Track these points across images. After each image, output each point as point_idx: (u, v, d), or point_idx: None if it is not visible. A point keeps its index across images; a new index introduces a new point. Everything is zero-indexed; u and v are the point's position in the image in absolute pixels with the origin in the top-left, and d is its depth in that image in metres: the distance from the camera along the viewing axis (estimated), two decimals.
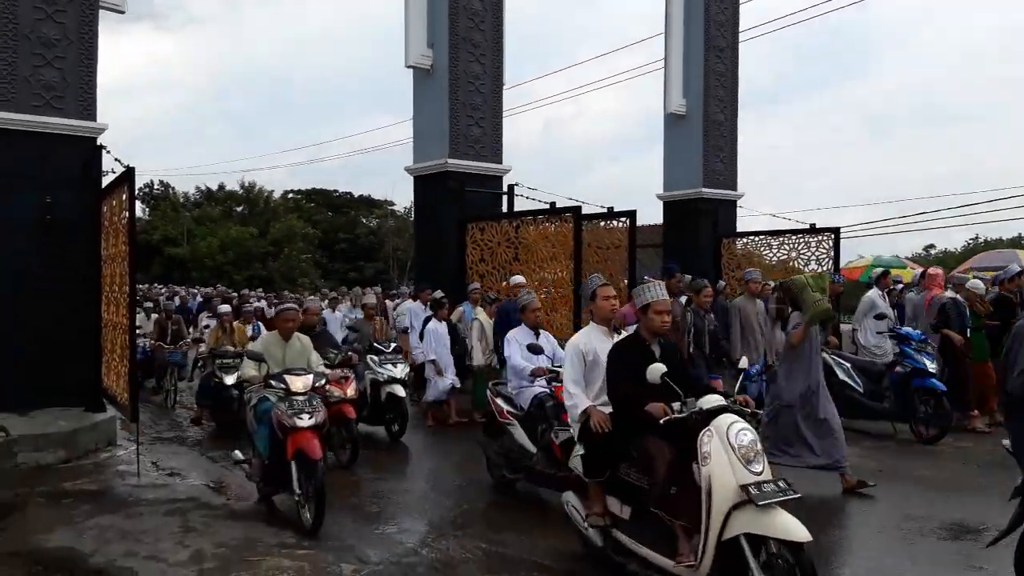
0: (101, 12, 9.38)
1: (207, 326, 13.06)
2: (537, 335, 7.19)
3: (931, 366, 8.73)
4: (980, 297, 10.21)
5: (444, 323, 10.52)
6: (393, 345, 10.04)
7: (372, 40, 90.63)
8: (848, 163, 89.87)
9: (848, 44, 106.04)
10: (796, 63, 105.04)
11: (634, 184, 71.15)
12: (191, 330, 13.97)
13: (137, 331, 13.89)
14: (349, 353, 8.44)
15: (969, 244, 44.31)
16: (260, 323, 13.19)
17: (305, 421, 5.86)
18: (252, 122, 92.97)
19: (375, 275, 45.32)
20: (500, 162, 13.32)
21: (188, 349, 12.75)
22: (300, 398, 6.03)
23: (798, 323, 7.03)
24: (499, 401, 6.91)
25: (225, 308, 11.72)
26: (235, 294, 22.42)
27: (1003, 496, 6.42)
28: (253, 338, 11.12)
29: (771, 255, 14.79)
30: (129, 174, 7.99)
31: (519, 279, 10.67)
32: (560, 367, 5.84)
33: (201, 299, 23.93)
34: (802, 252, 14.23)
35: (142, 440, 8.42)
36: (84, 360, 8.88)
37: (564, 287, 11.40)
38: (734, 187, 16.47)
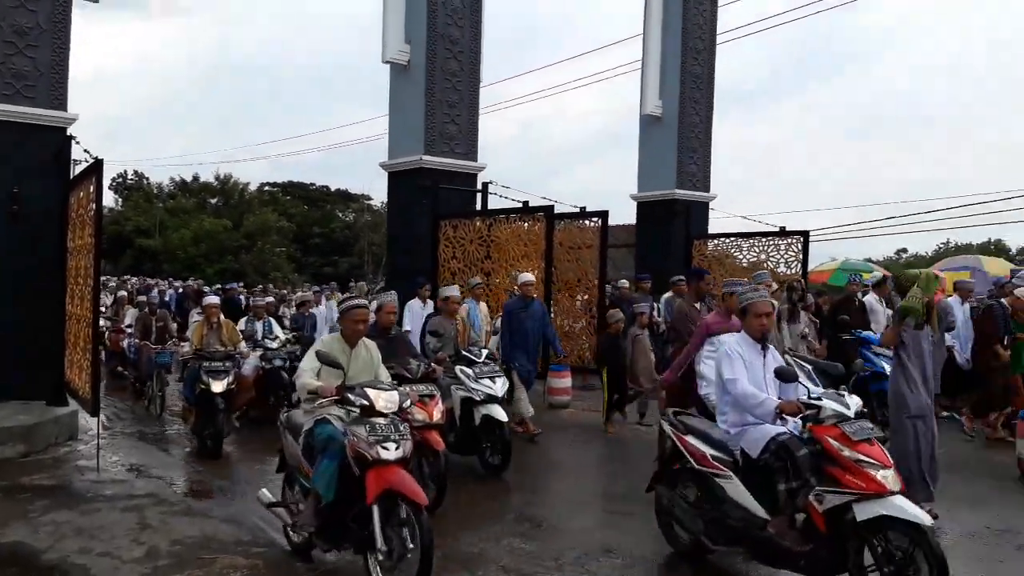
0: (76, 2, 9.27)
1: (195, 320, 11.94)
2: (765, 349, 5.13)
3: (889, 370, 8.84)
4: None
5: (452, 322, 9.79)
6: (485, 352, 8.20)
7: (354, 33, 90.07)
8: (823, 167, 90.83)
9: (825, 49, 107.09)
10: (772, 67, 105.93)
11: (609, 184, 71.45)
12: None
13: (113, 325, 13.66)
14: (432, 365, 6.95)
15: (940, 248, 44.95)
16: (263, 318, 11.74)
17: (392, 452, 4.55)
18: (231, 113, 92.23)
19: (349, 270, 45.11)
20: (475, 160, 13.30)
21: (176, 349, 11.34)
22: (383, 421, 4.67)
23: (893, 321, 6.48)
24: (692, 440, 5.12)
25: (213, 299, 9.78)
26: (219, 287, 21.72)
27: (947, 499, 6.55)
28: (249, 336, 10.27)
29: (742, 257, 14.90)
30: (97, 166, 7.88)
31: (528, 277, 9.82)
32: (817, 399, 4.60)
33: (178, 292, 23.40)
34: (772, 254, 14.34)
35: (103, 435, 8.32)
36: (47, 353, 8.77)
37: (536, 286, 11.40)
38: (707, 189, 16.57)
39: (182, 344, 10.93)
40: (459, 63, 13.04)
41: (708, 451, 4.98)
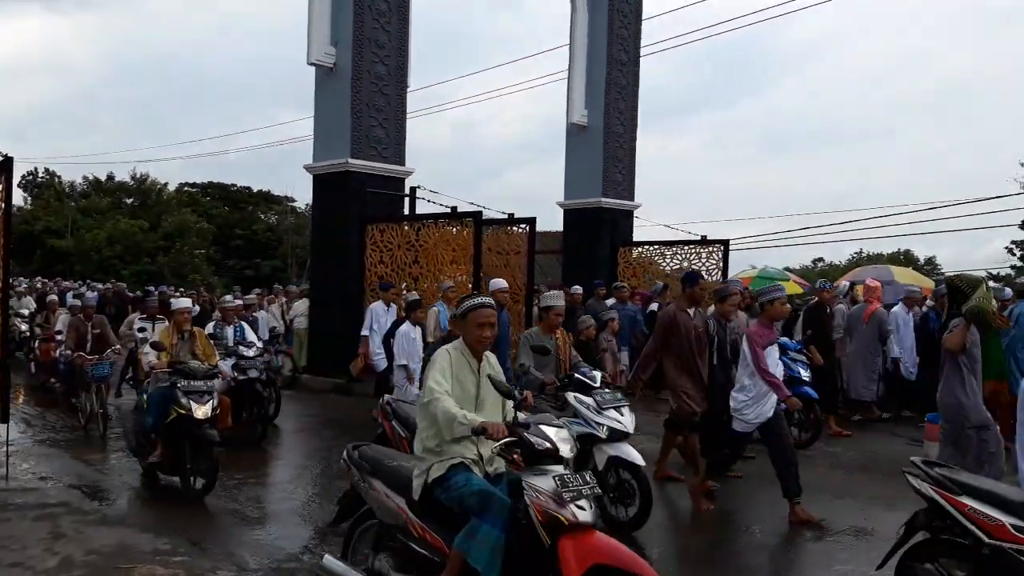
0: None
1: (142, 328, 10.78)
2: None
3: (805, 374, 9.14)
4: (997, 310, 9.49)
5: (418, 327, 9.29)
6: (599, 375, 6.51)
7: (278, 32, 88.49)
8: (743, 178, 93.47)
9: (745, 64, 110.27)
10: (693, 80, 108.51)
11: (539, 190, 71.91)
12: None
13: (43, 332, 12.44)
14: (525, 392, 5.33)
15: (853, 258, 46.78)
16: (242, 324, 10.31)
17: (588, 513, 3.41)
18: (148, 111, 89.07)
19: (272, 272, 44.21)
20: (403, 164, 13.27)
21: (116, 359, 10.28)
22: (566, 471, 3.54)
23: (957, 324, 5.82)
24: (975, 504, 3.88)
25: (184, 303, 8.01)
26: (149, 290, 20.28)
27: (861, 499, 6.86)
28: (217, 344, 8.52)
29: (665, 264, 15.29)
30: (6, 164, 7.57)
31: (501, 283, 9.45)
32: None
33: (94, 295, 22.51)
34: (694, 262, 14.75)
35: (12, 441, 7.99)
36: None
37: (464, 292, 11.45)
38: (632, 198, 16.90)
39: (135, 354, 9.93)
40: (386, 67, 12.99)
41: (1006, 520, 3.78)
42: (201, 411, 6.71)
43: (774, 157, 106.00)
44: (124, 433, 7.77)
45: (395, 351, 9.08)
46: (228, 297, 10.76)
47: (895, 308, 11.27)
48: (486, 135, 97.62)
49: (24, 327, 15.38)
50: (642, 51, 17.33)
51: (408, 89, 13.43)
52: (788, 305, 7.17)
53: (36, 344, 12.79)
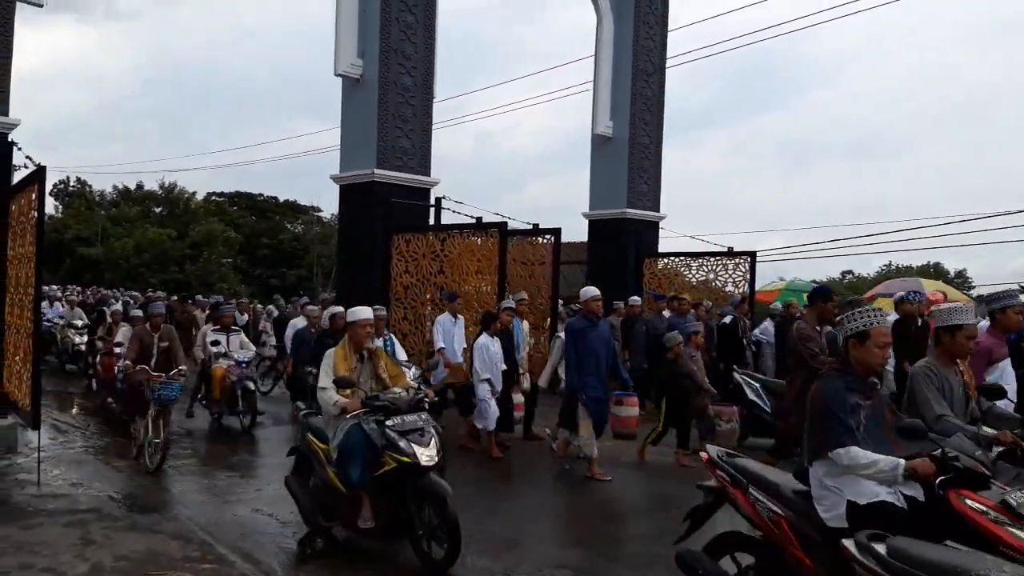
0: (19, 5, 9.06)
1: (216, 342, 10.52)
2: None
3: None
4: None
5: (497, 339, 9.03)
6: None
7: (305, 43, 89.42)
8: (771, 189, 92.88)
9: (774, 76, 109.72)
10: (722, 91, 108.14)
11: (564, 201, 72.00)
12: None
13: (104, 345, 11.54)
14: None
15: (882, 270, 46.34)
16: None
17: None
18: (178, 121, 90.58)
19: (298, 281, 44.59)
20: (428, 174, 13.32)
21: (182, 380, 8.45)
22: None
23: None
24: None
25: (365, 313, 5.95)
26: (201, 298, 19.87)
27: None
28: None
29: (691, 275, 15.22)
30: (40, 173, 7.71)
31: (594, 291, 8.47)
32: None
33: (160, 303, 22.11)
34: (720, 274, 14.68)
35: (44, 448, 8.10)
36: None
37: (488, 301, 11.47)
38: (657, 208, 16.85)
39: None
40: (412, 78, 13.08)
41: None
42: (426, 455, 5.24)
43: (800, 169, 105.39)
44: (297, 503, 6.01)
45: (475, 365, 8.85)
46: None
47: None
48: (511, 146, 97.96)
49: (78, 339, 15.12)
50: (668, 62, 17.33)
51: (434, 100, 13.52)
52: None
53: (97, 359, 11.96)
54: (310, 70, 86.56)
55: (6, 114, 8.80)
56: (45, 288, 26.32)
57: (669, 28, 17.28)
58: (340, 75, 13.00)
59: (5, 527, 5.88)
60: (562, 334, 9.04)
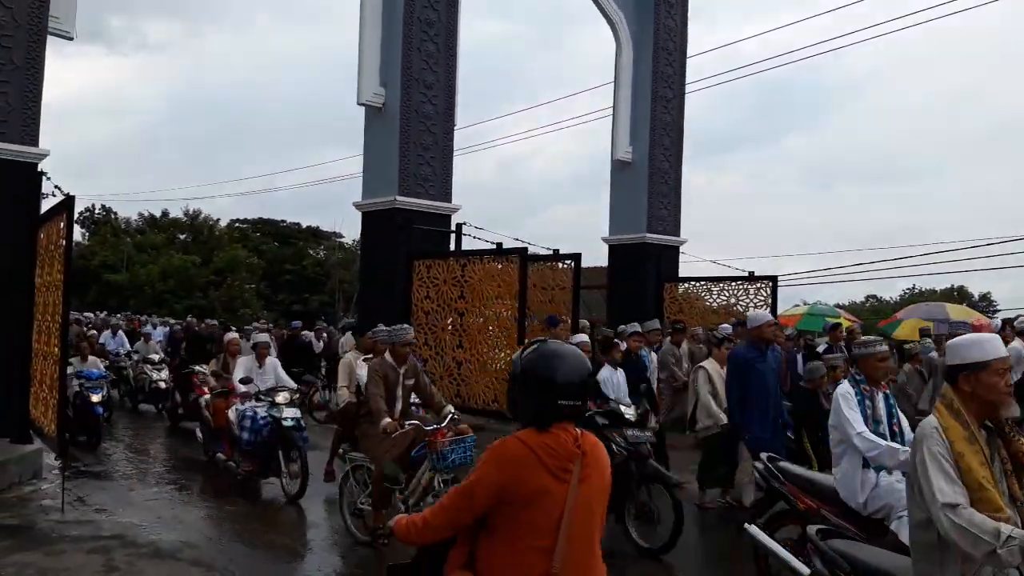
0: (49, 38, 9.28)
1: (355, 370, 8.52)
2: None
3: None
4: None
5: (620, 369, 8.06)
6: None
7: (330, 73, 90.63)
8: (792, 213, 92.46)
9: (794, 99, 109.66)
10: (742, 115, 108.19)
11: (584, 226, 72.08)
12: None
13: (222, 383, 9.41)
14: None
15: (906, 294, 45.90)
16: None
17: None
18: (201, 149, 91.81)
19: (320, 307, 44.83)
20: (449, 201, 13.42)
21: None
22: None
23: None
24: None
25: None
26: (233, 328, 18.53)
27: None
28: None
29: (712, 300, 15.16)
30: (68, 203, 7.87)
31: (764, 315, 7.68)
32: None
33: (162, 328, 21.51)
34: (741, 298, 14.61)
35: (68, 474, 8.17)
36: (12, 390, 8.62)
37: (509, 326, 11.50)
38: (677, 233, 16.83)
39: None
40: (434, 106, 13.21)
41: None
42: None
43: (822, 193, 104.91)
44: None
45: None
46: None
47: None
48: (531, 171, 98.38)
49: (155, 375, 13.80)
50: (687, 87, 17.39)
51: (455, 127, 13.64)
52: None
53: (199, 400, 10.14)
54: (334, 99, 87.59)
55: (36, 144, 8.98)
56: (106, 316, 26.04)
57: (689, 54, 17.37)
58: (363, 104, 13.16)
59: (29, 553, 5.93)
60: (707, 365, 7.90)
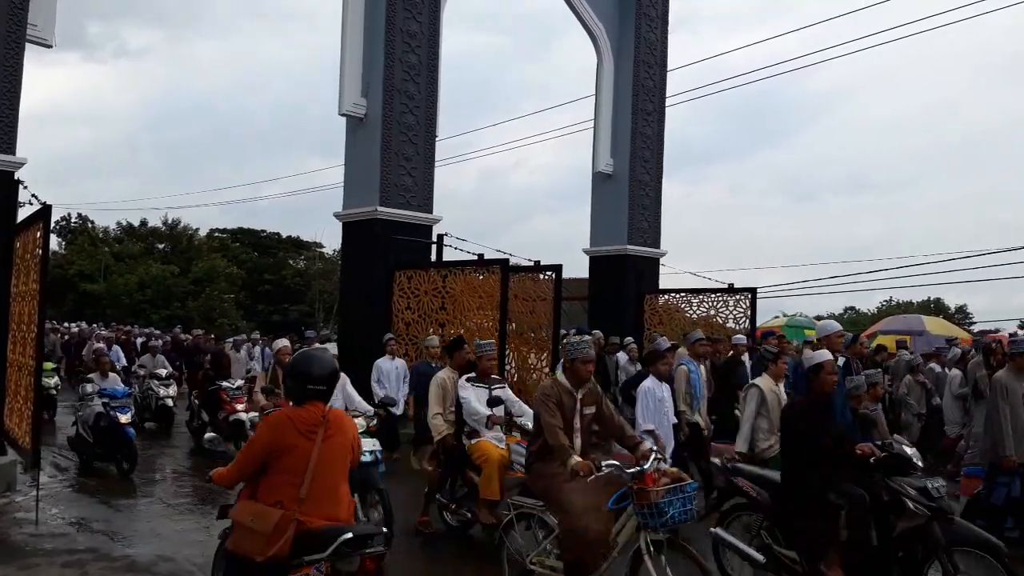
0: (28, 46, 9.20)
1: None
2: None
3: None
4: None
5: (664, 384, 7.38)
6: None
7: (311, 82, 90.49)
8: (771, 226, 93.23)
9: (773, 112, 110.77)
10: (721, 129, 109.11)
11: (565, 237, 72.23)
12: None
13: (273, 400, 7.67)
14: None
15: (883, 306, 46.32)
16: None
17: None
18: (180, 158, 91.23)
19: (300, 317, 44.61)
20: (430, 212, 13.42)
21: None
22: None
23: None
24: None
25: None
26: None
27: None
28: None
29: (691, 312, 15.24)
30: (45, 212, 7.80)
31: (834, 325, 7.51)
32: None
33: (143, 339, 20.95)
34: (720, 310, 14.70)
35: (43, 486, 8.06)
36: None
37: (490, 337, 11.48)
38: (657, 245, 16.93)
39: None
40: (415, 117, 13.23)
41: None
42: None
43: (800, 205, 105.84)
44: None
45: (638, 412, 7.15)
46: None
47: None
48: (512, 183, 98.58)
49: (163, 392, 13.28)
50: (668, 101, 17.53)
51: (436, 138, 13.66)
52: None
53: (252, 422, 9.42)
54: (316, 109, 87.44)
55: (13, 153, 8.89)
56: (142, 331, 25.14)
57: (669, 68, 17.52)
58: (344, 114, 13.16)
59: (3, 567, 5.84)
60: (760, 382, 6.93)
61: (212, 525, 7.50)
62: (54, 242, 51.24)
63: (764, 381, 7.04)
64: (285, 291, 49.23)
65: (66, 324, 29.24)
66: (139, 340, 21.36)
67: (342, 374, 6.68)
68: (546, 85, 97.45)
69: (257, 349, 17.43)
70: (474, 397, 6.71)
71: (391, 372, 10.67)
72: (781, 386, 6.97)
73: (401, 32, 12.95)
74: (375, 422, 6.96)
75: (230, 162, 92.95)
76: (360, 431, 5.43)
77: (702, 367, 8.61)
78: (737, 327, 14.17)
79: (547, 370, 12.39)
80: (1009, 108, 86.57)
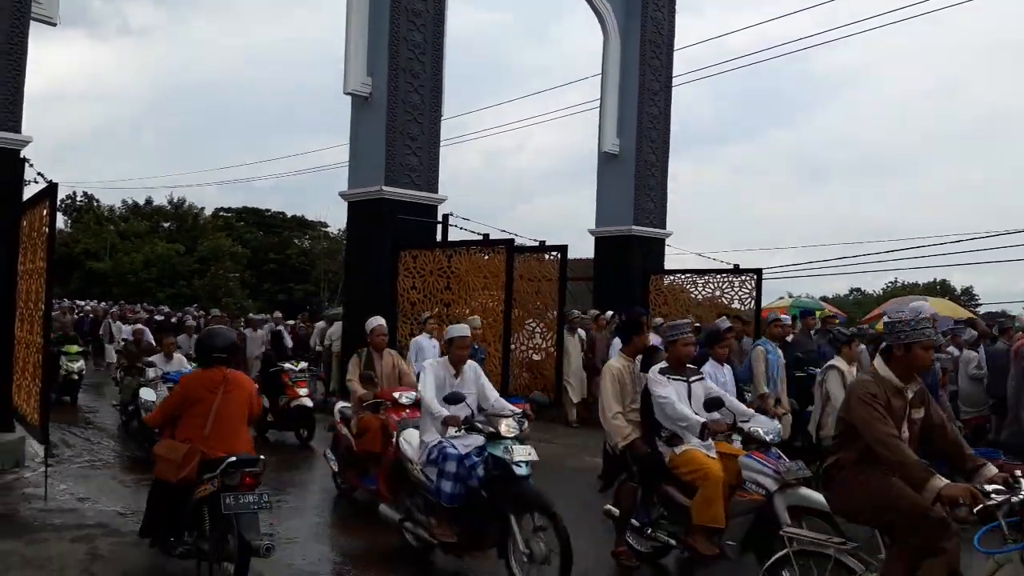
0: (32, 24, 9.17)
1: None
2: None
3: None
4: None
5: (727, 365, 7.08)
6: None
7: (317, 61, 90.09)
8: (777, 207, 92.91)
9: (780, 94, 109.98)
10: (728, 109, 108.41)
11: (570, 218, 72.16)
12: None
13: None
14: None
15: (888, 288, 46.26)
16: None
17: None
18: (185, 136, 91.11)
19: (305, 296, 44.72)
20: (436, 191, 13.40)
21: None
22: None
23: None
24: None
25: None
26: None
27: None
28: None
29: (697, 293, 15.23)
30: (51, 190, 7.82)
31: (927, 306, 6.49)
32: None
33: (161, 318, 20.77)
34: (726, 291, 14.68)
35: (51, 463, 8.13)
36: None
37: (495, 317, 11.52)
38: (663, 226, 16.89)
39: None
40: (420, 96, 13.18)
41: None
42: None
43: (808, 186, 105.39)
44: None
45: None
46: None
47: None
48: (519, 163, 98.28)
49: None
50: (674, 80, 17.41)
51: (442, 118, 13.62)
52: None
53: (351, 422, 7.51)
54: (321, 87, 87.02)
55: (18, 131, 8.90)
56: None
57: (676, 47, 17.39)
58: (349, 93, 13.11)
59: (11, 542, 5.90)
60: (838, 363, 6.73)
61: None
62: (60, 220, 51.41)
63: (841, 363, 6.71)
64: (290, 270, 49.29)
65: (78, 302, 29.29)
66: (158, 319, 20.99)
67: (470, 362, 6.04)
68: (552, 65, 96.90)
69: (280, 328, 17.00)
70: (676, 396, 5.40)
71: (429, 350, 10.33)
72: (854, 369, 6.69)
73: (406, 11, 12.87)
74: (526, 425, 5.51)
75: (235, 141, 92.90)
76: (510, 434, 5.20)
77: (779, 349, 8.32)
78: (742, 308, 14.17)
79: (552, 350, 12.46)
80: (1022, 89, 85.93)
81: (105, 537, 6.13)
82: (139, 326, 14.27)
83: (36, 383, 7.96)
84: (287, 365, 10.73)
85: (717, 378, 6.59)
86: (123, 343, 14.40)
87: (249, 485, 4.81)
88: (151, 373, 9.83)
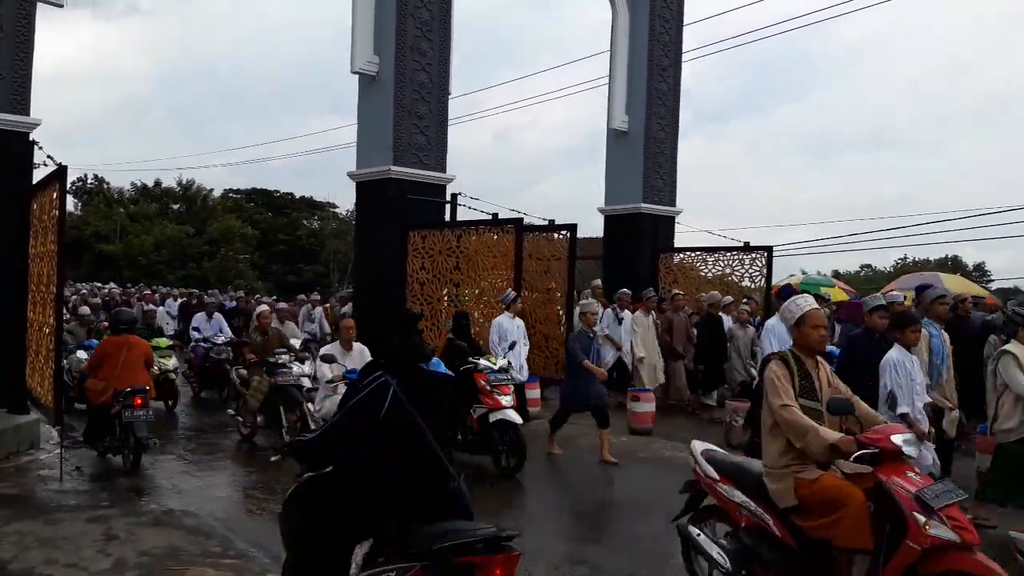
0: (39, 6, 9.14)
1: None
2: None
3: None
4: None
5: (913, 355, 6.34)
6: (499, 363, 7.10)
7: (325, 40, 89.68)
8: (787, 184, 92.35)
9: (790, 69, 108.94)
10: (738, 85, 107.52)
11: (580, 196, 71.82)
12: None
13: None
14: None
15: (899, 264, 45.99)
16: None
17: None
18: (194, 117, 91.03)
19: (314, 277, 44.81)
20: (444, 171, 13.35)
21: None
22: None
23: None
24: None
25: None
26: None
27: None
28: None
29: (707, 270, 15.18)
30: (61, 173, 7.82)
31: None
32: None
33: (179, 302, 19.77)
34: (736, 269, 14.63)
35: (66, 444, 8.20)
36: (8, 361, 8.63)
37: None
38: (673, 203, 16.80)
39: None
40: (428, 74, 13.09)
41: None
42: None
43: (818, 163, 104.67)
44: None
45: (882, 391, 5.92)
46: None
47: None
48: (526, 141, 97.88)
49: (297, 370, 9.29)
50: (684, 56, 17.25)
51: (450, 96, 13.53)
52: None
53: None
54: (328, 67, 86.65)
55: (27, 113, 8.90)
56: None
57: (686, 22, 17.21)
58: (356, 72, 13.04)
59: (29, 522, 5.97)
60: (1013, 348, 6.13)
61: (234, 482, 7.64)
62: (70, 203, 51.50)
63: (1017, 347, 6.10)
64: (300, 251, 49.35)
65: (97, 285, 29.32)
66: (179, 302, 19.93)
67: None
68: (561, 41, 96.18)
69: (318, 311, 16.89)
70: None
71: (512, 331, 10.24)
72: None
73: None
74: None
75: (243, 122, 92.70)
76: None
77: (944, 332, 7.17)
78: (753, 286, 14.13)
79: (562, 329, 12.43)
80: None
81: (120, 517, 6.19)
82: (263, 308, 11.37)
83: (49, 365, 8.02)
84: (482, 362, 8.41)
85: (908, 367, 5.99)
86: (249, 332, 11.01)
87: (139, 404, 7.62)
88: (328, 371, 7.95)
